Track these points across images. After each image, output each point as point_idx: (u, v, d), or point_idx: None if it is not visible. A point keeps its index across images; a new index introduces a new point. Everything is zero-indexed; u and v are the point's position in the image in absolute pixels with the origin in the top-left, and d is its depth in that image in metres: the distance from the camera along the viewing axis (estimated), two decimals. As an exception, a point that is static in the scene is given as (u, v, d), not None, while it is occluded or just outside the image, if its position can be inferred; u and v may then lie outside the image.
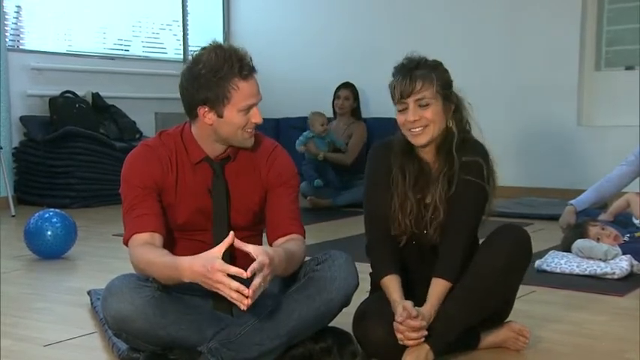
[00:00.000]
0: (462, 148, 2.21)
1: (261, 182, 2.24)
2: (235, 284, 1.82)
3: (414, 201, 2.22)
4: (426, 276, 2.19)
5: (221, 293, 1.85)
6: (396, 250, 2.26)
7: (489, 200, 2.23)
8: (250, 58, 2.11)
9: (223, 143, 2.18)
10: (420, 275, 2.23)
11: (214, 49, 2.09)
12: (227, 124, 2.11)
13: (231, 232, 1.92)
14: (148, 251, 2.06)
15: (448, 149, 2.21)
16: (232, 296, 1.83)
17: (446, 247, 2.20)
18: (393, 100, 2.21)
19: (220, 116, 2.10)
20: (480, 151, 2.24)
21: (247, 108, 2.10)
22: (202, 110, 2.10)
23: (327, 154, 5.89)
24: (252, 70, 2.11)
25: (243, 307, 1.84)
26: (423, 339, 2.07)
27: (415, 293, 2.18)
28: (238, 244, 1.91)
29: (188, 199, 2.19)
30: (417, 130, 2.18)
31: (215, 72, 2.05)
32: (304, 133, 5.97)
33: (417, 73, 2.16)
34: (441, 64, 2.23)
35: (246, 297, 1.82)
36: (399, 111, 2.20)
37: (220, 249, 1.89)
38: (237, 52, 2.10)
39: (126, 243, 2.14)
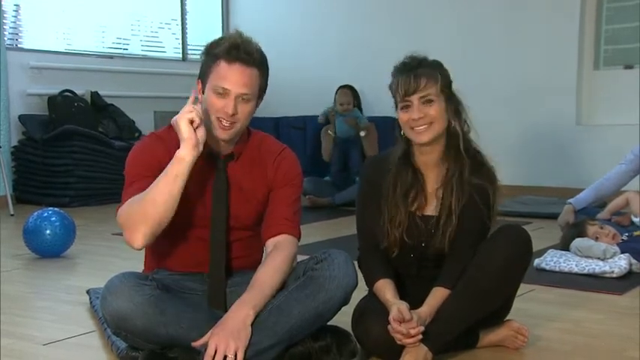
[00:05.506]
0: (471, 160, 2.20)
1: (267, 183, 2.24)
2: None
3: (404, 212, 2.22)
4: (424, 289, 2.19)
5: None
6: (387, 260, 2.27)
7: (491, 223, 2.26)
8: (253, 52, 2.11)
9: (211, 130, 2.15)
10: (417, 288, 2.23)
11: (232, 33, 2.15)
12: (206, 102, 2.13)
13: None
14: (136, 195, 2.04)
15: (457, 149, 2.20)
16: None
17: (450, 262, 2.20)
18: (396, 98, 2.20)
19: (204, 93, 2.14)
20: (491, 177, 2.23)
21: (219, 90, 2.09)
22: (199, 85, 2.16)
23: (368, 129, 6.09)
24: (242, 59, 2.09)
25: None
26: (419, 341, 2.07)
27: (409, 302, 2.15)
28: None
29: (190, 192, 2.18)
30: (421, 127, 2.17)
31: (210, 48, 2.13)
32: (329, 107, 6.26)
33: (421, 71, 2.15)
34: (442, 64, 2.22)
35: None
36: (402, 109, 2.19)
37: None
38: (241, 39, 2.12)
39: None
